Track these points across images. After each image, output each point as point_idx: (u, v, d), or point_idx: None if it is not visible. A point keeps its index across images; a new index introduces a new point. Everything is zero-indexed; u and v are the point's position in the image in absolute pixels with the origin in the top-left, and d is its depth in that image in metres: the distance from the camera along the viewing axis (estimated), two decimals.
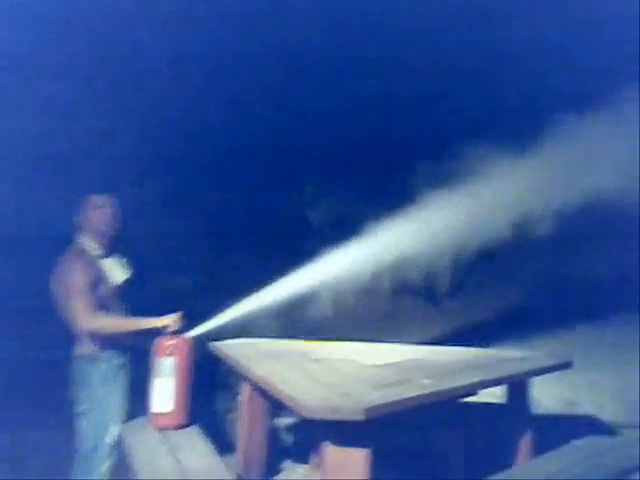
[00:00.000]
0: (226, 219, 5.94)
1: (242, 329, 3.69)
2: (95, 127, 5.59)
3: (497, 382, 2.97)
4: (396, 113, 5.85)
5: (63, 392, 3.27)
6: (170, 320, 3.27)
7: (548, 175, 3.59)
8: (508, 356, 3.41)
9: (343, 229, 3.71)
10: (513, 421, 3.25)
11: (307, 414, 2.29)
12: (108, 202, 3.34)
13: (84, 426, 3.19)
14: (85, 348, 3.21)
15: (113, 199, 3.36)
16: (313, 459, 3.58)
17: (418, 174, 5.46)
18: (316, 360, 3.17)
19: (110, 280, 3.30)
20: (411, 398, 2.39)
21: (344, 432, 2.26)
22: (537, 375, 3.17)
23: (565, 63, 4.94)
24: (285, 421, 4.20)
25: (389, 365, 3.06)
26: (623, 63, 4.14)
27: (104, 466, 3.16)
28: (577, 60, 4.85)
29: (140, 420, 3.31)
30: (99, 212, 3.29)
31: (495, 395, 3.37)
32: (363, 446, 2.28)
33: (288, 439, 4.21)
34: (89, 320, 3.11)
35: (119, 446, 3.18)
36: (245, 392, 3.41)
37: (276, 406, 3.32)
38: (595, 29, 4.67)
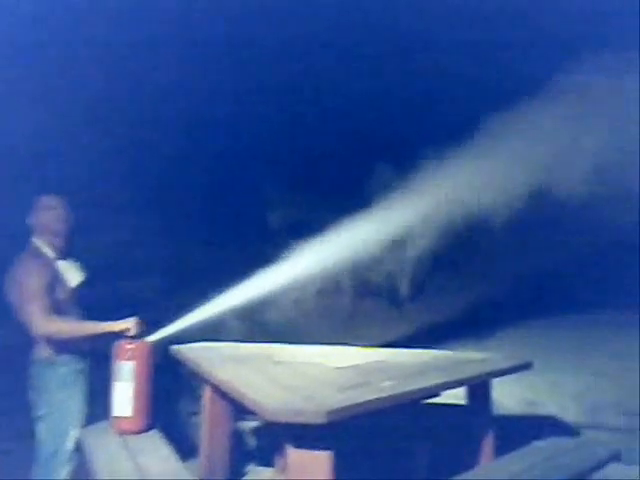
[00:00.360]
0: (186, 221, 5.89)
1: (203, 332, 3.66)
2: (51, 125, 5.48)
3: (458, 384, 3.01)
4: (356, 114, 5.88)
5: (21, 397, 3.21)
6: (128, 324, 3.23)
7: (500, 169, 3.65)
8: (469, 358, 3.45)
9: (303, 232, 3.71)
10: (475, 422, 3.28)
11: (270, 417, 2.29)
12: (59, 203, 3.28)
13: (43, 431, 3.12)
14: (43, 352, 3.15)
15: (63, 200, 3.31)
16: (277, 462, 3.57)
17: (376, 176, 5.50)
18: (279, 363, 3.17)
19: (66, 283, 3.24)
20: (373, 400, 2.41)
21: (307, 435, 2.26)
22: (498, 376, 3.21)
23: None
24: (249, 424, 4.19)
25: (351, 368, 3.07)
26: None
27: (64, 471, 3.11)
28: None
29: (101, 425, 3.25)
30: (50, 213, 3.24)
31: (457, 396, 3.41)
32: (326, 449, 2.28)
33: (252, 442, 4.19)
34: (45, 324, 3.05)
35: (79, 451, 3.13)
36: (207, 395, 3.38)
37: (239, 409, 3.30)
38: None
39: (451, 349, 3.84)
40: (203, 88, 5.61)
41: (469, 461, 3.14)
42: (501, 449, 3.23)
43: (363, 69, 5.65)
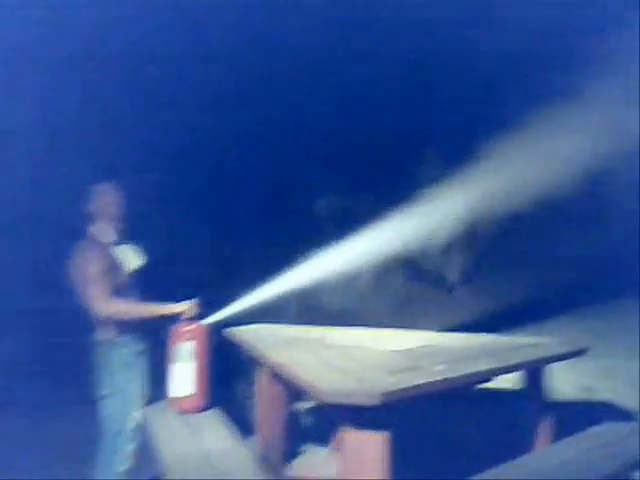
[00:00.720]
0: (239, 208, 5.99)
1: (257, 315, 3.74)
2: (106, 119, 5.66)
3: (511, 369, 2.98)
4: (404, 106, 5.86)
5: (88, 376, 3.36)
6: (185, 307, 3.33)
7: (557, 157, 3.58)
8: (523, 343, 3.40)
9: (356, 219, 3.73)
10: (529, 407, 3.26)
11: (324, 398, 2.33)
12: (114, 190, 3.41)
13: (107, 410, 3.26)
14: (105, 334, 3.28)
15: (118, 186, 3.43)
16: (332, 442, 3.63)
17: (425, 166, 5.47)
18: (331, 346, 3.21)
19: (124, 267, 3.36)
20: (426, 384, 2.42)
21: (362, 416, 2.29)
22: (552, 362, 3.17)
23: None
24: (303, 405, 4.26)
25: (404, 351, 3.08)
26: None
27: (128, 449, 3.23)
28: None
29: (161, 404, 3.38)
30: (106, 199, 3.38)
31: (511, 381, 3.39)
32: (380, 430, 2.31)
33: (306, 422, 4.27)
34: (106, 306, 3.17)
35: (142, 430, 3.25)
36: (262, 377, 3.45)
37: (293, 390, 3.37)
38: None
39: (505, 334, 3.79)
40: (247, 85, 5.71)
41: (523, 447, 3.13)
42: (556, 435, 3.20)
43: (421, 61, 5.63)
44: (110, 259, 3.29)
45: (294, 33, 5.61)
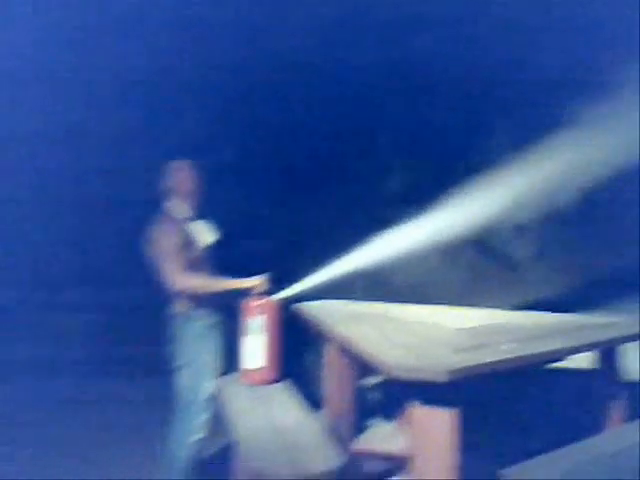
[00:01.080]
0: (310, 184, 6.04)
1: (325, 291, 3.79)
2: (178, 99, 5.82)
3: (583, 348, 2.91)
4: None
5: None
6: (256, 282, 3.40)
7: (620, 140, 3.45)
8: (596, 322, 3.32)
9: (423, 196, 3.71)
10: (602, 387, 3.20)
11: (391, 373, 2.35)
12: (188, 166, 3.49)
13: (181, 380, 3.38)
14: (180, 307, 3.39)
15: (192, 163, 3.51)
16: (400, 417, 3.67)
17: (496, 140, 5.35)
18: (398, 322, 3.23)
19: (198, 242, 3.45)
20: (495, 362, 2.41)
21: (429, 393, 2.31)
22: (626, 342, 3.09)
23: None
24: (371, 380, 4.31)
25: (472, 328, 3.07)
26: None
27: (201, 419, 3.33)
28: None
29: (234, 376, 3.48)
30: (181, 176, 3.46)
31: (584, 361, 3.32)
32: (450, 407, 2.32)
33: (374, 397, 4.32)
34: (181, 280, 3.26)
35: (214, 400, 3.37)
36: (330, 352, 3.50)
37: (360, 365, 3.41)
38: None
39: (577, 314, 3.70)
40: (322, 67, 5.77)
41: (594, 426, 3.08)
42: (629, 415, 3.14)
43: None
44: (185, 234, 3.38)
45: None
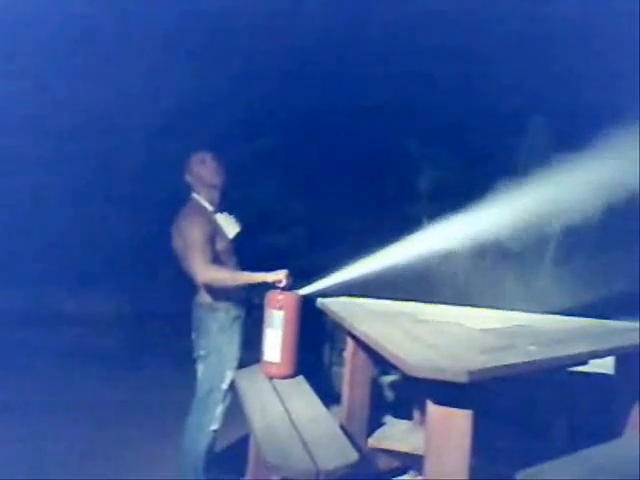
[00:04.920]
0: (335, 181, 6.05)
1: (348, 288, 3.78)
2: (199, 94, 5.88)
3: (606, 353, 2.89)
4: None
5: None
6: (279, 276, 3.40)
7: None
8: (618, 327, 3.29)
9: (453, 196, 3.68)
10: (622, 393, 3.16)
11: (412, 372, 2.32)
12: (212, 158, 3.51)
13: (202, 370, 3.41)
14: (204, 298, 3.41)
15: (214, 155, 3.53)
16: (415, 416, 3.67)
17: (533, 143, 5.30)
18: (421, 321, 3.21)
19: (224, 234, 3.47)
20: (517, 364, 2.38)
21: (448, 393, 2.30)
22: None
23: None
24: (387, 378, 4.31)
25: (495, 330, 3.04)
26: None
27: (218, 409, 3.36)
28: None
29: (253, 368, 3.50)
30: (206, 168, 3.48)
31: (605, 366, 3.29)
32: (467, 407, 2.31)
33: (390, 395, 4.32)
34: (206, 272, 3.28)
35: (233, 391, 3.39)
36: (350, 348, 3.50)
37: (380, 363, 3.41)
38: None
39: (600, 319, 3.66)
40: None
41: (612, 432, 3.05)
42: None
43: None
44: (212, 226, 3.41)
45: None
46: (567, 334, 3.02)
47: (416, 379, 2.31)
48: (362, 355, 3.45)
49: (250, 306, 3.55)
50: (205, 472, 3.33)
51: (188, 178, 3.51)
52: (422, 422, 3.26)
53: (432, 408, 2.36)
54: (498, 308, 3.73)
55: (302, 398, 3.15)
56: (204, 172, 3.48)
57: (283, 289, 3.40)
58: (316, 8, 5.80)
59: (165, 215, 3.57)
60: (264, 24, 5.98)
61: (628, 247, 5.59)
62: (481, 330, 3.02)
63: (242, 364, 3.49)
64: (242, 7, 5.76)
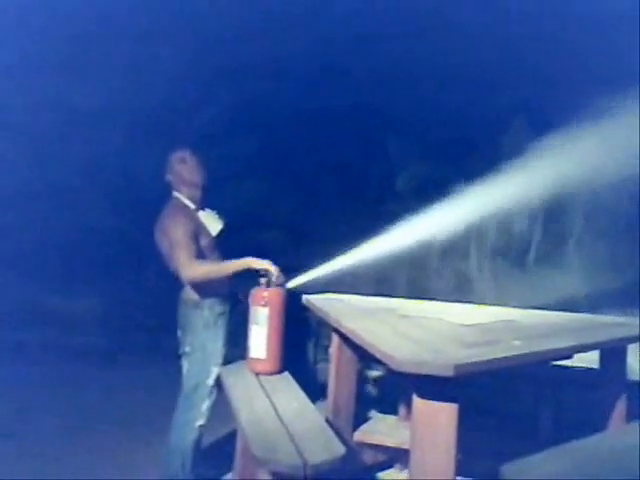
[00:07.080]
0: (316, 178, 6.05)
1: (331, 284, 3.79)
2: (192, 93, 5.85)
3: (590, 347, 2.92)
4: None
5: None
6: (266, 264, 3.38)
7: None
8: (602, 322, 3.33)
9: (434, 191, 3.70)
10: (607, 387, 3.20)
11: (398, 367, 2.34)
12: (192, 157, 3.49)
13: (187, 366, 3.40)
14: (189, 295, 3.40)
15: (194, 152, 3.51)
16: (401, 410, 3.69)
17: (510, 138, 5.34)
18: (405, 317, 3.23)
19: (207, 231, 3.46)
20: (501, 358, 2.40)
21: (433, 387, 2.31)
22: (631, 342, 3.10)
23: None
24: (372, 373, 4.32)
25: (479, 325, 3.07)
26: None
27: (204, 405, 3.35)
28: None
29: (239, 364, 3.51)
30: (185, 166, 3.46)
31: (590, 360, 3.32)
32: (452, 401, 2.32)
33: (374, 390, 4.34)
34: (192, 269, 3.26)
35: (219, 387, 3.38)
36: (335, 344, 3.52)
37: (365, 359, 3.42)
38: None
39: (584, 313, 3.69)
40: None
41: (596, 425, 3.09)
42: (632, 415, 3.14)
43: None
44: (195, 224, 3.39)
45: None
46: (551, 328, 3.05)
47: (402, 374, 2.32)
48: (347, 351, 3.47)
49: (235, 302, 3.54)
50: (192, 468, 3.32)
51: (169, 177, 3.49)
52: (407, 417, 3.28)
53: (418, 402, 2.37)
54: (483, 303, 3.76)
55: (288, 393, 3.15)
56: (185, 171, 3.46)
57: (268, 285, 3.38)
58: (301, 9, 5.80)
59: (149, 214, 3.54)
60: (249, 25, 5.97)
61: (614, 241, 5.66)
62: (466, 325, 3.04)
63: (229, 360, 3.49)
64: (227, 7, 5.76)
